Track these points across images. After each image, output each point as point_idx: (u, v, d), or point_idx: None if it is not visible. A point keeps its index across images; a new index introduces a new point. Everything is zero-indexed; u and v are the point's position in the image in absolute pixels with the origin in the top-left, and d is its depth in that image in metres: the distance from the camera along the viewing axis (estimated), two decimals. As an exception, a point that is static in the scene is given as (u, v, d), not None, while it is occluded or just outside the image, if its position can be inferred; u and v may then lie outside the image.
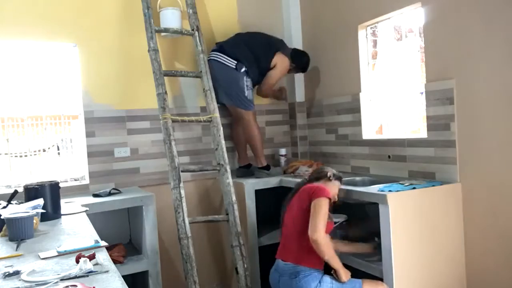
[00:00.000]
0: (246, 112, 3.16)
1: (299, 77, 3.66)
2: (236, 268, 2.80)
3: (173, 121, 2.89)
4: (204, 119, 2.99)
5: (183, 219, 2.67)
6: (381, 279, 2.24)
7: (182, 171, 2.78)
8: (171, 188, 2.73)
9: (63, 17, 2.87)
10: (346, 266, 2.50)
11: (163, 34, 3.11)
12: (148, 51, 2.91)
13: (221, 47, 3.15)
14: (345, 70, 3.16)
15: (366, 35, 3.03)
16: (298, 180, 2.84)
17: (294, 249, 2.21)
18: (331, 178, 2.38)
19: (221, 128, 2.97)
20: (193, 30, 3.09)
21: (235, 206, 2.85)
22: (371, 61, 3.05)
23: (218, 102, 3.09)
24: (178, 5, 3.15)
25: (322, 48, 3.42)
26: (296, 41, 3.64)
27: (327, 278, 2.15)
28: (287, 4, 3.63)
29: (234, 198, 2.86)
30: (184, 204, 2.70)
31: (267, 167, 3.27)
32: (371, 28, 3.02)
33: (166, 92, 2.87)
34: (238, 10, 3.52)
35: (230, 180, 2.88)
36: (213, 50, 3.18)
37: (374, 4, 2.86)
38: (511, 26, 2.08)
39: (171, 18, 3.07)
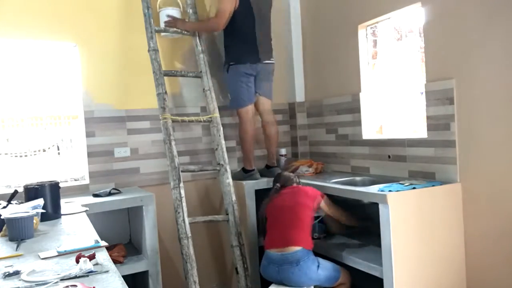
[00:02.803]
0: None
1: (299, 77, 3.66)
2: (236, 268, 2.80)
3: (173, 121, 2.89)
4: (204, 119, 3.00)
5: (183, 219, 2.68)
6: (381, 279, 2.24)
7: (182, 171, 2.78)
8: (171, 188, 2.73)
9: (63, 17, 2.87)
10: (345, 265, 2.52)
11: (163, 34, 3.11)
12: (148, 51, 2.91)
13: (268, 50, 3.14)
14: (345, 70, 3.16)
15: (366, 35, 3.03)
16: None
17: (291, 236, 2.41)
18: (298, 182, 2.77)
19: (221, 128, 2.97)
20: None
21: (235, 206, 2.85)
22: (371, 61, 3.05)
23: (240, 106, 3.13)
24: (178, 5, 3.15)
25: (322, 48, 3.42)
26: (296, 41, 3.64)
27: (320, 259, 2.45)
28: (287, 4, 3.63)
29: (234, 198, 2.86)
30: (184, 204, 2.70)
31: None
32: (371, 28, 3.02)
33: (166, 92, 2.87)
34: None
35: (230, 180, 2.89)
36: (263, 54, 3.11)
37: (374, 4, 2.86)
38: (511, 26, 2.08)
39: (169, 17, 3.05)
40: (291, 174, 2.82)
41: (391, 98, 2.98)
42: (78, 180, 3.01)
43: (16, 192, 2.06)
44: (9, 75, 2.85)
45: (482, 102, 2.23)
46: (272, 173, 3.19)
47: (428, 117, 2.52)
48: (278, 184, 2.70)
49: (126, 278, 1.36)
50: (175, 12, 3.08)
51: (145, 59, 2.98)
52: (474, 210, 2.32)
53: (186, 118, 3.00)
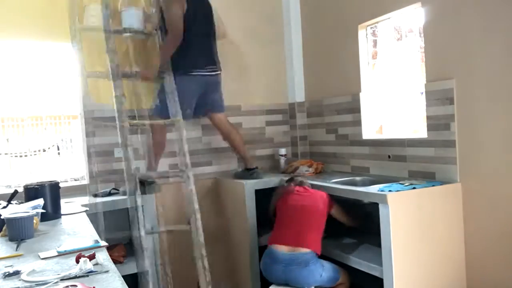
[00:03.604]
0: (224, 114, 3.16)
1: (299, 77, 3.67)
2: (198, 283, 2.65)
3: (131, 125, 2.70)
4: (167, 123, 2.82)
5: (140, 230, 2.49)
6: (381, 279, 2.24)
7: (139, 178, 2.59)
8: (127, 196, 2.57)
9: (63, 17, 2.86)
10: (344, 265, 2.53)
11: (124, 35, 2.94)
12: (106, 52, 2.74)
13: (209, 57, 2.97)
14: (345, 70, 3.16)
15: (366, 35, 3.03)
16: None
17: (305, 237, 2.44)
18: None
19: (185, 132, 2.79)
20: (155, 30, 2.92)
21: (198, 215, 2.67)
22: (371, 61, 3.05)
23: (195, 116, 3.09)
24: (141, 5, 2.99)
25: (322, 48, 3.42)
26: (296, 41, 3.64)
27: (323, 263, 2.48)
28: (287, 4, 3.63)
29: (196, 206, 2.68)
30: (140, 213, 2.50)
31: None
32: (371, 28, 3.02)
33: (124, 95, 2.69)
34: (237, 9, 3.50)
35: (192, 187, 2.70)
36: (203, 66, 2.94)
37: (374, 4, 2.86)
38: (511, 26, 2.08)
39: (132, 18, 2.89)
40: (305, 179, 2.79)
41: (391, 98, 2.98)
42: (78, 180, 3.01)
43: (16, 192, 2.06)
44: (9, 75, 2.85)
45: (482, 102, 2.23)
46: (254, 174, 3.14)
47: (428, 117, 2.52)
48: (292, 184, 2.70)
49: (126, 278, 1.36)
50: (137, 12, 2.91)
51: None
52: (474, 210, 2.32)
53: (146, 122, 2.82)
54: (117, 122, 2.65)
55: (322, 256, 2.57)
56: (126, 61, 3.06)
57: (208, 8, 3.02)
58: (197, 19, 2.90)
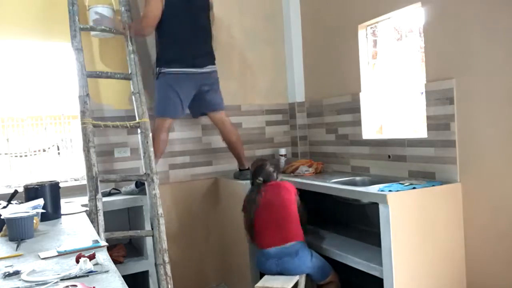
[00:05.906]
0: (225, 113, 3.14)
1: (299, 77, 3.67)
2: None
3: (94, 126, 2.61)
4: (131, 124, 2.71)
5: (99, 234, 2.35)
6: (381, 279, 2.24)
7: (101, 181, 2.52)
8: (88, 200, 2.44)
9: (63, 17, 2.86)
10: (344, 265, 2.53)
11: (92, 33, 2.91)
12: (72, 49, 2.71)
13: (198, 52, 2.91)
14: (345, 70, 3.16)
15: (366, 35, 3.03)
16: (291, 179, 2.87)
17: (288, 232, 2.53)
18: (277, 177, 2.79)
19: (150, 135, 2.72)
20: (124, 29, 2.84)
21: (161, 220, 2.60)
22: (371, 61, 3.05)
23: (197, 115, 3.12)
24: (111, 3, 2.93)
25: (322, 48, 3.42)
26: (296, 41, 3.64)
27: (312, 251, 2.59)
28: (287, 4, 3.63)
29: (160, 211, 2.60)
30: (100, 217, 2.42)
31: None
32: (371, 28, 3.02)
33: (88, 95, 2.64)
34: (237, 9, 3.50)
35: (157, 191, 2.62)
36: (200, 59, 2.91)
37: (374, 4, 2.86)
38: (511, 26, 2.08)
39: (100, 15, 2.84)
40: (271, 169, 2.76)
41: (391, 98, 2.98)
42: (78, 180, 3.01)
43: (16, 192, 2.06)
44: (9, 75, 2.85)
45: (482, 102, 2.23)
46: (245, 175, 3.12)
47: (428, 117, 2.52)
48: (260, 178, 2.69)
49: (126, 278, 1.36)
50: (106, 10, 2.86)
51: (145, 59, 2.97)
52: (474, 210, 2.32)
53: (110, 123, 2.69)
54: (79, 122, 2.59)
55: (322, 256, 2.59)
56: (97, 59, 3.01)
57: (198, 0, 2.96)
58: (180, 11, 2.83)
